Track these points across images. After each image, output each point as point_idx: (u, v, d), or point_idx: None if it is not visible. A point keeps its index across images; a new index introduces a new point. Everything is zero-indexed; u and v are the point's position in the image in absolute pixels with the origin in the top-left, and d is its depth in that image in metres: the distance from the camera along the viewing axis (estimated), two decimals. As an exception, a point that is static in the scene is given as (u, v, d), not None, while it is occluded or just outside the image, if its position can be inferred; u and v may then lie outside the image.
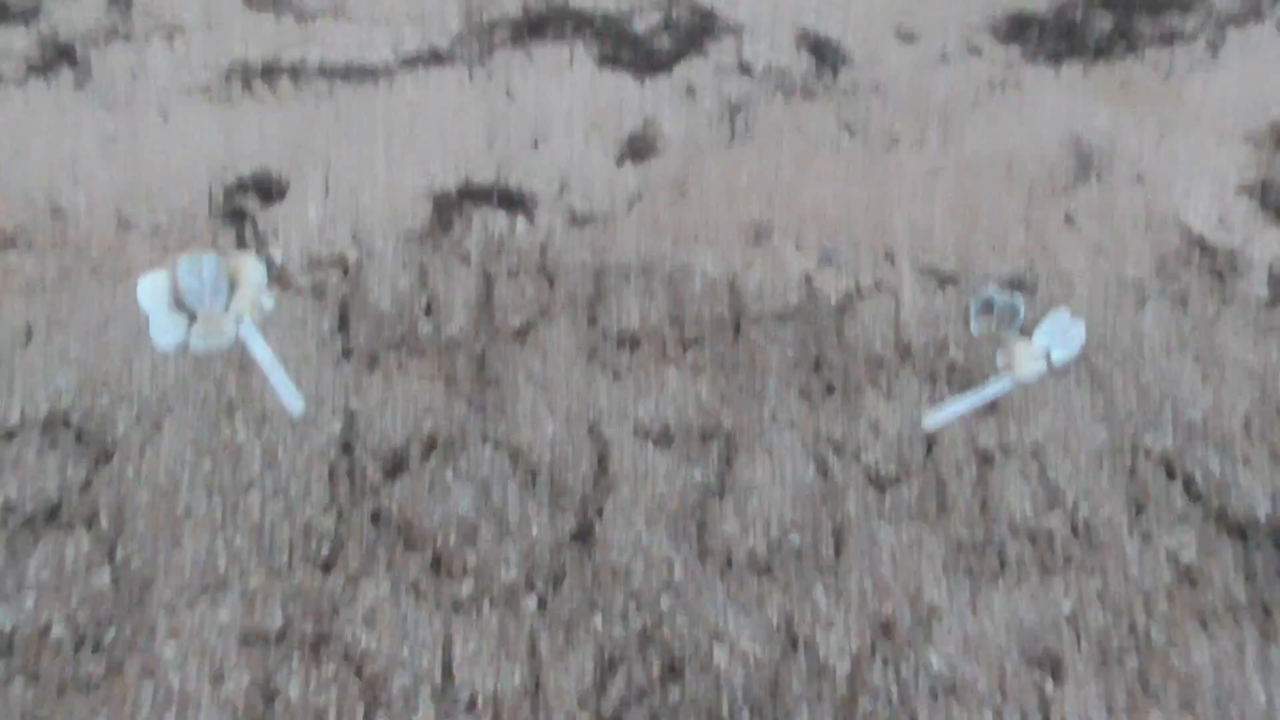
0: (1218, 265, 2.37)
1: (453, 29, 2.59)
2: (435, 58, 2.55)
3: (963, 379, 2.18)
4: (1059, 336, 2.20)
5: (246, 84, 2.48)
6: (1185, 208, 2.46)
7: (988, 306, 2.24)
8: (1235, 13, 2.83)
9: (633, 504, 2.00)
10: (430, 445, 2.04)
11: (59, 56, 2.50)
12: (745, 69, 2.58)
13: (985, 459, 2.09)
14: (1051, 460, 2.09)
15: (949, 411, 2.13)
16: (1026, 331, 2.21)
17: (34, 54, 2.48)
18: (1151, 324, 2.28)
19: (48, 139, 2.36)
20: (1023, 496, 2.05)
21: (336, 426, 2.05)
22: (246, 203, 2.32)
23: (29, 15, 2.54)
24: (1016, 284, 2.31)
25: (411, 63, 2.54)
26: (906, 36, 2.67)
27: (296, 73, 2.50)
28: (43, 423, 2.02)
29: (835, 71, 2.60)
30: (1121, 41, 2.74)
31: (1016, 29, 2.73)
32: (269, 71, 2.50)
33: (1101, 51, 2.72)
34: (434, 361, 2.13)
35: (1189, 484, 2.08)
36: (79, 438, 2.01)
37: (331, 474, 1.99)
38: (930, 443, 2.10)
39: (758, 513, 2.00)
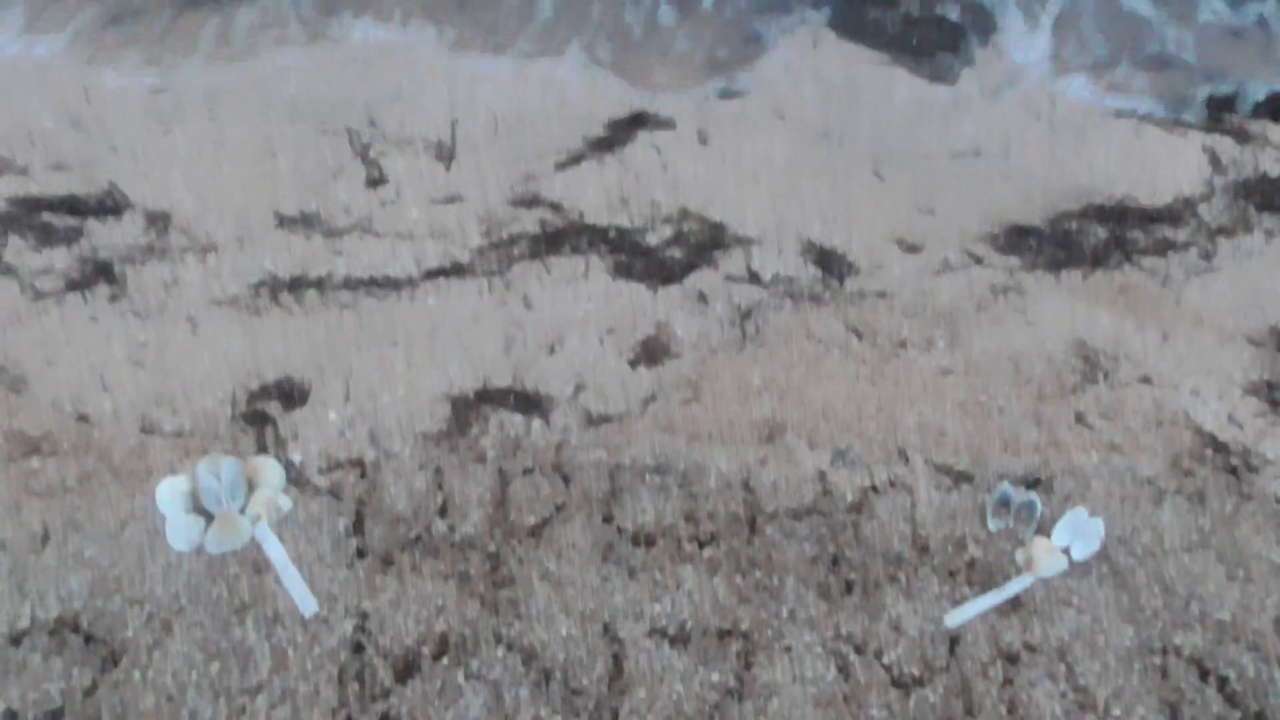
0: (1231, 462, 2.38)
1: (473, 244, 2.70)
2: (456, 270, 2.66)
3: (983, 576, 2.15)
4: (1078, 534, 2.18)
5: (274, 296, 2.57)
6: (1194, 407, 2.48)
7: (1004, 504, 2.23)
8: (1225, 224, 2.95)
9: (649, 707, 1.94)
10: (442, 646, 2.00)
11: (97, 273, 2.61)
12: (754, 278, 2.68)
13: (1011, 658, 2.03)
14: (1080, 660, 2.03)
15: (971, 609, 2.09)
16: (1044, 529, 2.20)
17: (73, 272, 2.59)
18: (1170, 521, 2.26)
19: (79, 349, 2.44)
20: (1052, 698, 1.99)
21: (348, 627, 2.02)
22: (268, 407, 2.36)
23: (71, 236, 2.67)
24: (1031, 481, 2.31)
25: (433, 275, 2.64)
26: (909, 247, 2.78)
27: (322, 285, 2.60)
28: (51, 626, 2.00)
29: (841, 280, 2.70)
30: (1117, 251, 2.85)
31: (1015, 240, 2.84)
32: (296, 285, 2.60)
33: (1099, 260, 2.82)
34: (448, 561, 2.12)
35: (1223, 685, 2.02)
36: (87, 641, 1.98)
37: (341, 676, 1.95)
38: (953, 641, 2.06)
39: (778, 715, 1.94)
